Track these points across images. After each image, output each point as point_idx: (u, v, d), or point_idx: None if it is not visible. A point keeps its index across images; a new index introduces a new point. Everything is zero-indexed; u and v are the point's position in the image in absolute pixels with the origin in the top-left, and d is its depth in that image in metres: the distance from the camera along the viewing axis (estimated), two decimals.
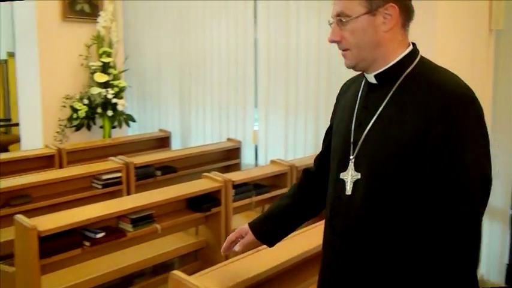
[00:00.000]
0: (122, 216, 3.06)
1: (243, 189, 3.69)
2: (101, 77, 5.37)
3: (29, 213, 2.82)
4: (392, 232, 1.39)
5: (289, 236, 1.91)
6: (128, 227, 3.04)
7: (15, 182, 3.58)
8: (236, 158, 4.89)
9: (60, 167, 4.40)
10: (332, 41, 1.49)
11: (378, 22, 1.40)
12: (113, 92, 5.36)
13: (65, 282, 2.72)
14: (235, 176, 3.68)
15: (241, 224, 3.72)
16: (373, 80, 1.49)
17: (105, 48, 5.46)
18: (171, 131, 5.48)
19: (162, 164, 4.37)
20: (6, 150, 6.16)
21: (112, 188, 3.92)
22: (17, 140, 6.12)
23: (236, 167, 4.84)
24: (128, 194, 3.96)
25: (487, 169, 1.32)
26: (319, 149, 1.92)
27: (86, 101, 5.36)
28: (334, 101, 1.75)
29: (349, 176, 1.48)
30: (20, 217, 2.63)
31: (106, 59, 5.42)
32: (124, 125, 5.61)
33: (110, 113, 5.36)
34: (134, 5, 5.87)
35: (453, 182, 1.29)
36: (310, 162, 3.90)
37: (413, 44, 1.48)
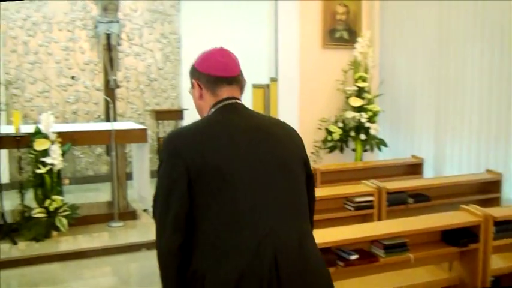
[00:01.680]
0: (375, 241, 3.06)
1: (505, 227, 3.36)
2: (355, 101, 5.50)
3: None
4: None
5: None
6: (380, 252, 3.02)
7: None
8: (496, 191, 4.51)
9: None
10: None
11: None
12: (366, 116, 5.44)
13: None
14: (497, 212, 3.38)
15: (500, 265, 3.43)
16: None
17: (361, 74, 5.58)
18: (424, 157, 5.32)
19: (415, 191, 4.25)
20: None
21: (364, 211, 3.96)
22: None
23: (495, 202, 4.46)
24: (379, 218, 3.95)
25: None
26: None
27: (340, 124, 5.54)
28: None
29: None
30: None
31: (361, 84, 5.54)
32: (375, 149, 5.63)
33: (362, 136, 5.45)
34: (391, 31, 5.90)
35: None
36: None
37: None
